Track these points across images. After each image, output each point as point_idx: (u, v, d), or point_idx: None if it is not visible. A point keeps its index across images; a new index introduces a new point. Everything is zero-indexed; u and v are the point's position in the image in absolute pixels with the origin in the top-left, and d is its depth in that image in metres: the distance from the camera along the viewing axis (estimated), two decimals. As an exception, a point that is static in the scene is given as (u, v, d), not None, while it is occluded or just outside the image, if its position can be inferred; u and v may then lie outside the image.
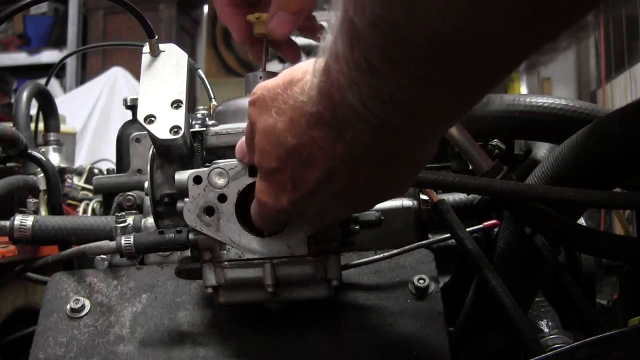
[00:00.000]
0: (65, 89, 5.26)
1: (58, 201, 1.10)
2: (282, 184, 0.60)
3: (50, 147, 1.63)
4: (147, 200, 0.89)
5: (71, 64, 5.36)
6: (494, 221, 0.87)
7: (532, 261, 0.86)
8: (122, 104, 1.24)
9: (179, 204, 0.79)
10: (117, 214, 0.94)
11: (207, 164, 0.76)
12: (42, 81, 1.52)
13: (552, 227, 0.79)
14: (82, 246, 0.85)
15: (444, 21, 0.39)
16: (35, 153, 1.12)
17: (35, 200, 1.17)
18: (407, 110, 0.47)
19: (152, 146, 0.82)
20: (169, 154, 0.81)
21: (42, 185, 1.18)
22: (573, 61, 5.23)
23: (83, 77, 5.45)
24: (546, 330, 0.95)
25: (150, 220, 0.92)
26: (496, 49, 0.41)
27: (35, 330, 0.82)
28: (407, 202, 0.94)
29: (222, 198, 0.70)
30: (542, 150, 1.03)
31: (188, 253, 0.76)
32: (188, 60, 0.84)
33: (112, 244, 0.80)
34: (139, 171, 1.10)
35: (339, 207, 0.62)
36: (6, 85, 1.93)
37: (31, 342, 0.81)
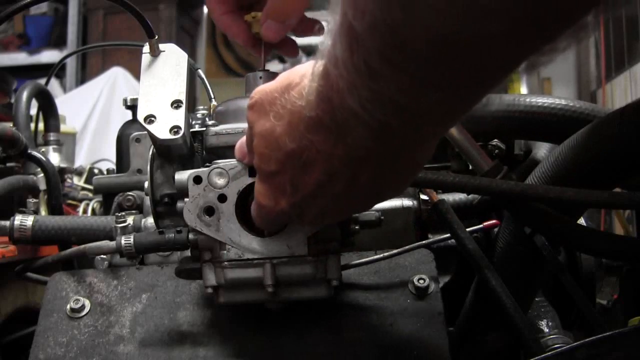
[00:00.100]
0: (65, 89, 5.26)
1: (58, 201, 1.10)
2: (281, 187, 0.60)
3: (50, 147, 1.63)
4: (147, 200, 0.89)
5: (71, 64, 5.36)
6: (494, 221, 0.87)
7: (532, 261, 0.86)
8: (122, 104, 1.24)
9: (179, 204, 0.79)
10: (117, 214, 0.93)
11: (207, 164, 0.76)
12: (42, 81, 1.52)
13: (552, 227, 0.79)
14: (82, 246, 0.85)
15: (443, 22, 0.39)
16: (35, 153, 1.12)
17: (35, 200, 1.17)
18: (407, 112, 0.47)
19: (152, 146, 0.82)
20: (169, 154, 0.81)
21: (42, 185, 1.18)
22: (573, 61, 5.22)
23: (83, 77, 5.45)
24: (546, 330, 0.95)
25: (150, 220, 0.92)
26: (496, 49, 0.40)
27: (35, 330, 0.82)
28: (407, 202, 0.94)
29: (222, 198, 0.70)
30: (542, 150, 1.03)
31: (188, 253, 0.76)
32: (188, 60, 0.84)
33: (112, 244, 0.80)
34: (139, 171, 1.10)
35: (339, 208, 0.62)
36: (6, 85, 1.93)
37: (31, 342, 0.81)
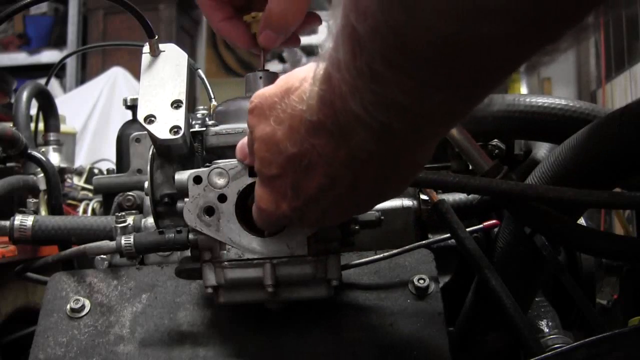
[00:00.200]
0: (65, 89, 5.26)
1: (58, 201, 1.10)
2: (282, 191, 0.60)
3: (50, 147, 1.63)
4: (147, 200, 0.89)
5: (71, 64, 5.36)
6: (494, 221, 0.87)
7: (532, 261, 0.86)
8: (122, 104, 1.25)
9: (179, 204, 0.79)
10: (117, 214, 0.93)
11: (207, 164, 0.76)
12: (42, 81, 1.52)
13: (552, 227, 0.79)
14: (82, 246, 0.85)
15: (445, 23, 0.39)
16: (35, 153, 1.12)
17: (35, 200, 1.17)
18: (410, 114, 0.47)
19: (152, 146, 0.82)
20: (169, 154, 0.81)
21: (42, 185, 1.18)
22: (573, 61, 5.22)
23: (83, 77, 5.46)
24: (546, 330, 0.95)
25: (150, 220, 0.92)
26: (497, 50, 0.41)
27: (35, 330, 0.82)
28: (407, 202, 0.94)
29: (222, 198, 0.70)
30: (542, 150, 1.03)
31: (188, 253, 0.76)
32: (188, 60, 0.83)
33: (112, 244, 0.80)
34: (139, 171, 1.10)
35: (340, 210, 0.62)
36: (6, 85, 1.93)
37: (31, 342, 0.81)
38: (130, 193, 1.04)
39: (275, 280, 0.70)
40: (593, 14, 0.40)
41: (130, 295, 0.84)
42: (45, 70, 1.99)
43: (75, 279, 0.86)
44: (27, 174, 1.27)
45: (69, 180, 1.86)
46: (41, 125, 1.63)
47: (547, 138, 0.99)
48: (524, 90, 4.81)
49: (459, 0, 0.37)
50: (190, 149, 0.81)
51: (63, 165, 1.67)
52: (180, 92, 0.79)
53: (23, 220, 0.93)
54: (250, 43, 0.82)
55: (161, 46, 0.83)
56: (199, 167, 0.76)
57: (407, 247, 0.82)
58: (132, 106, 1.22)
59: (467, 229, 0.82)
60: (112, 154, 1.33)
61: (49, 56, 5.37)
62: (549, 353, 0.76)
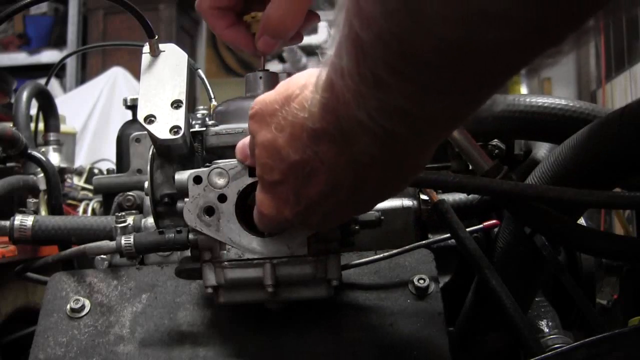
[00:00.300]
0: (65, 89, 5.27)
1: (58, 201, 1.10)
2: (284, 197, 0.61)
3: (50, 147, 1.63)
4: (147, 200, 0.89)
5: (71, 64, 5.36)
6: (494, 221, 0.87)
7: (532, 261, 0.86)
8: (122, 104, 1.25)
9: (179, 204, 0.79)
10: (117, 214, 0.93)
11: (207, 164, 0.76)
12: (42, 81, 1.52)
13: (552, 227, 0.79)
14: (82, 246, 0.85)
15: (450, 29, 0.39)
16: (35, 153, 1.12)
17: (35, 200, 1.17)
18: (413, 119, 0.47)
19: (152, 146, 0.82)
20: (169, 154, 0.81)
21: (42, 185, 1.18)
22: (573, 61, 5.22)
23: (83, 77, 5.46)
24: (546, 330, 0.95)
25: (150, 220, 0.92)
26: (501, 55, 0.41)
27: (35, 330, 0.82)
28: (407, 202, 0.94)
29: (222, 198, 0.70)
30: (542, 150, 1.03)
31: (188, 253, 0.76)
32: (188, 60, 0.83)
33: (112, 244, 0.80)
34: (139, 171, 1.10)
35: (342, 213, 0.62)
36: (6, 85, 1.93)
37: (31, 342, 0.81)
38: (130, 193, 1.04)
39: (275, 280, 0.70)
40: (594, 17, 0.40)
41: (130, 295, 0.84)
42: (45, 70, 1.99)
43: (75, 279, 0.86)
44: (27, 174, 1.27)
45: (69, 180, 1.86)
46: (41, 125, 1.64)
47: (547, 138, 0.99)
48: (524, 90, 4.80)
49: (464, 6, 0.37)
50: (190, 149, 0.81)
51: (63, 165, 1.67)
52: (180, 92, 0.79)
53: (23, 220, 0.93)
54: (255, 47, 0.81)
55: (161, 46, 0.83)
56: (199, 167, 0.76)
57: (407, 247, 0.82)
58: (132, 106, 1.22)
59: (467, 229, 0.82)
60: (112, 154, 1.33)
61: (49, 56, 5.37)
62: (549, 353, 0.76)
